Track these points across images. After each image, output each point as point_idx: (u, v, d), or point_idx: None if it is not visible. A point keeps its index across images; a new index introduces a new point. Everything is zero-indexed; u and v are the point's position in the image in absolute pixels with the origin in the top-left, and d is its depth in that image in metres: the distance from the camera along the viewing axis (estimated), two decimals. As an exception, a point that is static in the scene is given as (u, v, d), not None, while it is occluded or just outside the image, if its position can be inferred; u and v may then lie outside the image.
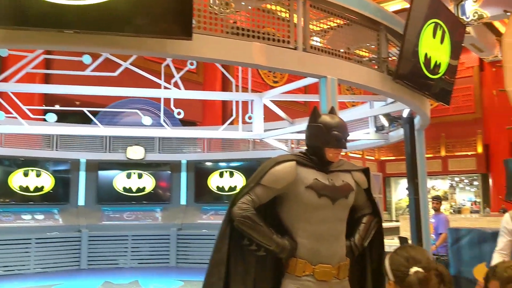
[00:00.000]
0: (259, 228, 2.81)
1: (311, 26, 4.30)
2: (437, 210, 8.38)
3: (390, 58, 4.98)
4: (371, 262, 3.26)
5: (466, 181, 24.62)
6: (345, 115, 8.53)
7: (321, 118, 3.00)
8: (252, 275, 2.97)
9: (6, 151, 9.69)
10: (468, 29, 17.97)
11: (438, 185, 25.66)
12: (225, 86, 19.24)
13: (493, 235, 6.09)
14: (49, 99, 14.47)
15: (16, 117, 7.83)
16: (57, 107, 9.57)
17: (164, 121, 8.47)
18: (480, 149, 21.74)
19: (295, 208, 2.90)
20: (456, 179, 24.87)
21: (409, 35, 4.64)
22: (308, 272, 2.84)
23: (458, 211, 22.94)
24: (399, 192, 26.41)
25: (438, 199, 8.52)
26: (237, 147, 11.27)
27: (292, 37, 4.07)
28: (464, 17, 13.25)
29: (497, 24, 17.81)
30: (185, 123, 14.47)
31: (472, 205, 23.58)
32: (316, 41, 4.37)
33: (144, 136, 10.37)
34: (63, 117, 11.25)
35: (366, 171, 3.22)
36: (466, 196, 24.55)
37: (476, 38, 17.69)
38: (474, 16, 13.48)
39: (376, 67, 4.79)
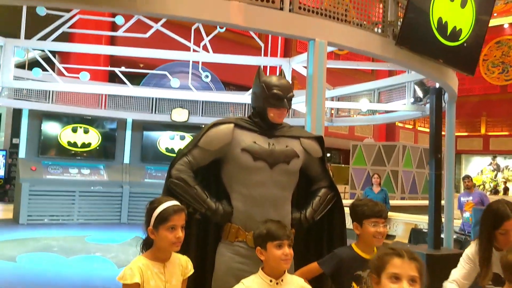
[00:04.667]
0: (192, 190, 2.75)
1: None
2: (469, 188, 8.19)
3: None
4: (331, 238, 3.12)
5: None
6: (379, 83, 8.17)
7: (264, 78, 2.87)
8: (194, 239, 2.95)
9: (57, 108, 10.25)
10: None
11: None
12: (287, 52, 18.99)
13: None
14: (114, 60, 15.13)
15: (78, 77, 8.18)
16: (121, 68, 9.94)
17: (198, 84, 8.51)
18: None
19: (232, 171, 2.82)
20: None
21: (416, -4, 4.28)
22: (241, 238, 2.76)
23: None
24: (470, 170, 25.14)
25: (469, 178, 8.49)
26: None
27: (278, -4, 3.88)
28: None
29: None
30: (241, 88, 14.52)
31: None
32: (307, 2, 4.13)
33: (188, 99, 10.53)
34: (129, 78, 11.53)
35: (319, 139, 3.05)
36: None
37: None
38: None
39: (380, 31, 4.47)
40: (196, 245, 2.95)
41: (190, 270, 2.47)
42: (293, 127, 3.04)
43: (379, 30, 4.46)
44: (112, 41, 13.48)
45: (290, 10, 3.91)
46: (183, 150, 2.89)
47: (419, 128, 24.98)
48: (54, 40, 7.59)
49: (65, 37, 10.13)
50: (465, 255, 2.96)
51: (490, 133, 23.46)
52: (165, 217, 2.26)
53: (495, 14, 20.51)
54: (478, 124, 23.71)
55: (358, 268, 2.61)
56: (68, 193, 10.08)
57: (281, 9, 3.89)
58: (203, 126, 10.57)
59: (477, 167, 24.75)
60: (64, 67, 8.34)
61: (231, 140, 2.78)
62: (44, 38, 7.55)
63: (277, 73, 3.09)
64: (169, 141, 11.19)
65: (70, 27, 7.62)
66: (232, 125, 2.82)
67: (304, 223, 2.92)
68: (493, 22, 20.57)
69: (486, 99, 23.21)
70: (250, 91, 2.99)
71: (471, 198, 8.03)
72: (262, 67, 3.12)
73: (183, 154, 2.85)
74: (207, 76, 7.94)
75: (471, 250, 2.91)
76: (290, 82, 3.09)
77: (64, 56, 12.07)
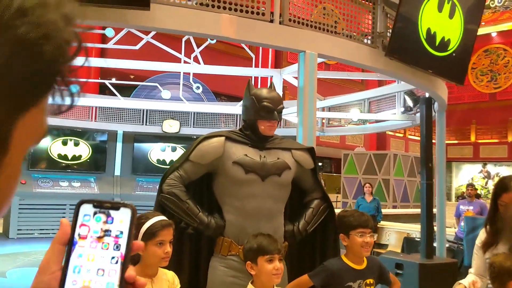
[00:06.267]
0: (184, 205, 2.74)
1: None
2: (471, 196, 8.20)
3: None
4: (324, 250, 3.11)
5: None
6: (369, 93, 8.22)
7: (254, 90, 2.87)
8: (187, 253, 2.93)
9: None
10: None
11: (503, 172, 24.24)
12: (278, 62, 19.06)
13: None
14: (105, 72, 15.09)
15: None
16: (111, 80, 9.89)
17: (190, 95, 8.51)
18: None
19: (224, 184, 2.81)
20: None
21: (405, 7, 4.32)
22: (234, 252, 2.75)
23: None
24: (461, 177, 25.30)
25: (472, 186, 8.53)
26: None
27: (268, 9, 3.91)
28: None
29: None
30: (233, 98, 14.51)
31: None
32: (297, 14, 4.16)
33: (179, 110, 10.50)
34: (119, 90, 11.43)
35: (310, 151, 3.05)
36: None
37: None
38: None
39: (370, 42, 4.50)
40: (189, 259, 2.94)
41: (177, 285, 2.46)
42: (284, 139, 3.05)
43: (369, 41, 4.49)
44: (102, 53, 13.45)
45: (280, 23, 3.93)
46: (174, 164, 2.88)
47: (410, 136, 25.12)
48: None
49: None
50: (475, 246, 2.98)
51: (480, 141, 23.62)
52: (153, 233, 2.24)
53: (483, 23, 20.74)
54: (468, 132, 23.89)
55: (349, 279, 2.61)
56: (59, 206, 9.95)
57: (271, 21, 3.91)
58: (194, 137, 10.55)
59: (468, 175, 24.90)
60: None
61: (223, 153, 2.78)
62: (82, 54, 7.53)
63: (268, 84, 3.11)
64: (160, 153, 11.14)
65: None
66: (223, 138, 2.82)
67: (297, 236, 2.91)
68: (481, 31, 20.78)
69: (476, 107, 23.40)
70: (242, 102, 3.00)
71: (471, 207, 8.00)
72: (252, 79, 3.12)
73: (175, 168, 2.84)
74: (198, 87, 7.96)
75: (477, 240, 2.93)
76: (281, 94, 3.09)
77: (54, 68, 12.01)
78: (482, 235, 2.90)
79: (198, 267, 2.95)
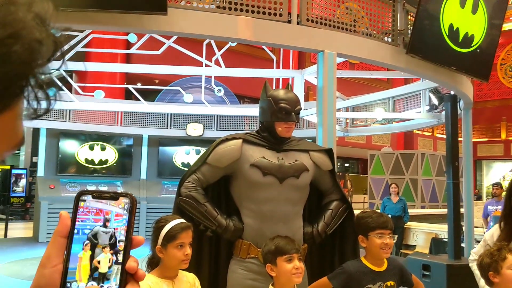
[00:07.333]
0: (202, 208, 2.74)
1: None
2: (498, 196, 7.98)
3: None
4: (343, 252, 3.07)
5: None
6: (394, 92, 8.10)
7: (271, 92, 2.85)
8: (206, 256, 2.93)
9: (74, 126, 10.38)
10: None
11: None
12: (301, 63, 18.97)
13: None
14: (130, 77, 15.29)
15: (92, 95, 8.41)
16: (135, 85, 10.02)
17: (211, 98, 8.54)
18: None
19: (241, 187, 2.80)
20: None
21: (426, 4, 4.24)
22: (253, 254, 2.73)
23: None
24: (492, 176, 24.69)
25: (498, 185, 8.14)
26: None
27: (285, 10, 3.88)
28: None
29: None
30: (256, 100, 14.53)
31: None
32: (317, 14, 4.12)
33: (203, 113, 10.56)
34: (145, 94, 11.56)
35: (329, 152, 3.01)
36: None
37: None
38: None
39: (390, 40, 4.43)
40: (208, 261, 2.94)
41: (198, 287, 2.46)
42: (302, 140, 3.01)
43: (389, 39, 4.42)
44: (128, 58, 13.64)
45: (298, 23, 3.91)
46: (192, 167, 2.87)
47: (438, 135, 24.65)
48: (70, 59, 7.70)
49: (82, 56, 10.29)
50: (483, 239, 3.06)
51: (511, 138, 23.01)
52: (173, 235, 2.26)
53: (511, 18, 20.24)
54: (498, 130, 23.33)
55: (369, 281, 2.56)
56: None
57: (289, 22, 3.89)
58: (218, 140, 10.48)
59: (499, 173, 24.29)
60: (82, 86, 8.46)
61: (240, 156, 2.76)
62: (59, 58, 7.65)
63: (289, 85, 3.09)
64: (185, 156, 11.23)
65: (86, 46, 7.71)
66: (240, 141, 2.80)
67: (316, 238, 2.88)
68: (510, 26, 20.28)
69: (506, 103, 22.82)
70: (259, 104, 2.98)
71: (500, 207, 7.76)
72: (274, 81, 3.10)
73: (192, 171, 2.83)
74: (220, 90, 7.99)
75: (488, 232, 2.96)
76: (303, 95, 3.07)
77: (82, 75, 12.24)
78: (494, 230, 2.91)
79: (217, 270, 2.94)
